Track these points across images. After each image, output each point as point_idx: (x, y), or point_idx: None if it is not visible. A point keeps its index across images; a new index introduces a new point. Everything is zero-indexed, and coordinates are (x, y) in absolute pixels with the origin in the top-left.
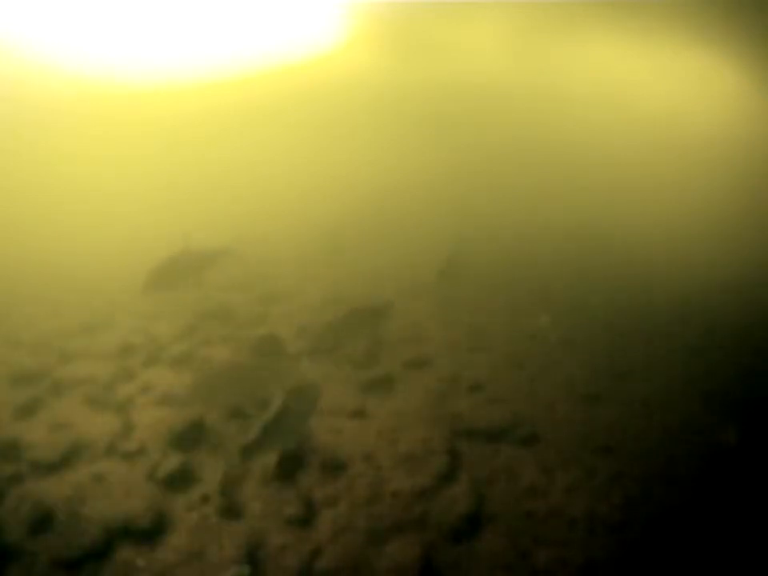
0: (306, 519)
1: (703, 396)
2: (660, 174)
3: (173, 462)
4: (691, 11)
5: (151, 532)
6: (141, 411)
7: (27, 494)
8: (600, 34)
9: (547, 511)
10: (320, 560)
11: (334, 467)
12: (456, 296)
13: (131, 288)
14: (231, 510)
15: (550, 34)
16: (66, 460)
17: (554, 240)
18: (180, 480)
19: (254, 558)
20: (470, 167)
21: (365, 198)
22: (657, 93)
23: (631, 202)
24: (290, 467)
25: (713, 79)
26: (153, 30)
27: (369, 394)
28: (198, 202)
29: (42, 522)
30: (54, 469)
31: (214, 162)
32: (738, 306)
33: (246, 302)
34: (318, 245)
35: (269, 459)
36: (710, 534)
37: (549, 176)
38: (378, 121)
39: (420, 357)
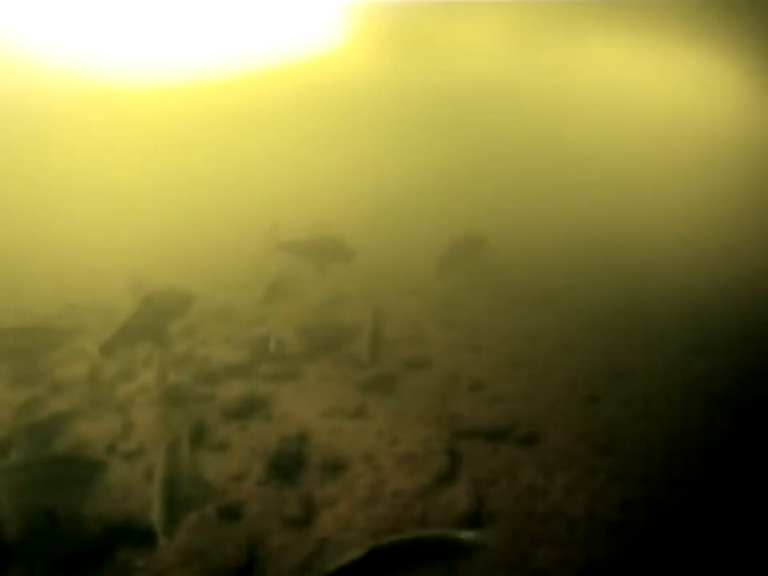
0: (305, 519)
1: (703, 396)
2: (660, 174)
3: None
4: (691, 11)
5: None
6: (141, 411)
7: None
8: (601, 35)
9: (547, 511)
10: (320, 560)
11: (334, 467)
12: (456, 296)
13: (131, 288)
14: (231, 510)
15: (551, 34)
16: None
17: (554, 240)
18: None
19: (253, 557)
20: (470, 168)
21: (365, 198)
22: (657, 93)
23: (630, 202)
24: (290, 467)
25: (714, 78)
26: (153, 30)
27: (369, 394)
28: (197, 201)
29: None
30: None
31: (214, 162)
32: (738, 306)
33: (246, 303)
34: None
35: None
36: (710, 533)
37: (549, 176)
38: (379, 121)
39: (420, 357)
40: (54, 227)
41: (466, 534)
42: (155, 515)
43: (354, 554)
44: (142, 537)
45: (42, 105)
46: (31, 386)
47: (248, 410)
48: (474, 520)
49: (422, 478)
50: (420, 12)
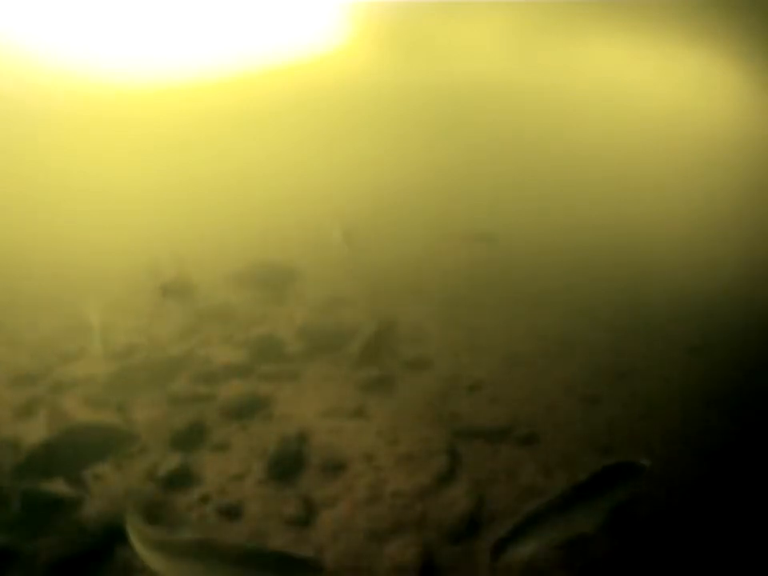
0: (305, 519)
1: (703, 396)
2: (660, 174)
3: (173, 461)
4: (691, 11)
5: None
6: (141, 411)
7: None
8: (601, 35)
9: None
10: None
11: (334, 467)
12: (456, 296)
13: (131, 288)
14: (231, 510)
15: (551, 34)
16: None
17: (554, 240)
18: (180, 480)
19: None
20: (470, 168)
21: (365, 198)
22: (657, 93)
23: (630, 202)
24: (290, 467)
25: (714, 78)
26: (153, 30)
27: (369, 394)
28: (197, 201)
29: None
30: None
31: (214, 162)
32: (738, 306)
33: (246, 303)
34: (318, 245)
35: None
36: (710, 533)
37: (549, 176)
38: (379, 121)
39: (420, 357)
40: (54, 227)
41: (642, 460)
42: None
43: (571, 483)
44: None
45: (42, 105)
46: (31, 385)
47: (248, 410)
48: (474, 520)
49: (421, 477)
50: (420, 12)
